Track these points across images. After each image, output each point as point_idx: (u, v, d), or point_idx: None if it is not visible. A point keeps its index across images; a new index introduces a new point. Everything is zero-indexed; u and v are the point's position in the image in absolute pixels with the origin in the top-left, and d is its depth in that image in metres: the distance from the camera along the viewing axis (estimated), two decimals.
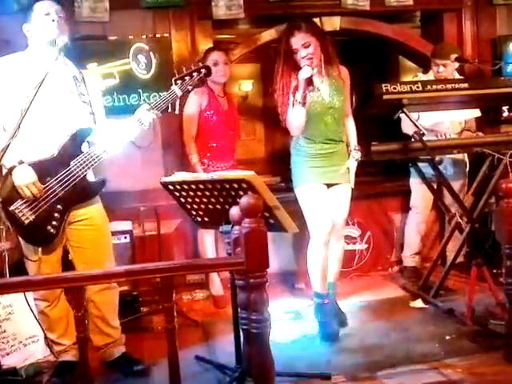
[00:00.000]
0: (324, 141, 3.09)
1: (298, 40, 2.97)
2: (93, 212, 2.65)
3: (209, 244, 3.72)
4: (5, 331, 2.86)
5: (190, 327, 3.33)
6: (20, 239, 2.57)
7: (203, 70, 2.79)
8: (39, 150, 2.48)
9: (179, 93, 2.71)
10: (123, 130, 2.59)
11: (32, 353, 2.90)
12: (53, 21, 2.52)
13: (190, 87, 2.76)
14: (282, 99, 3.03)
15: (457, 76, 3.93)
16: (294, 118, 2.98)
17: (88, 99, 2.64)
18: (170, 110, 2.71)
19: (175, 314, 1.86)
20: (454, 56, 3.76)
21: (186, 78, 2.74)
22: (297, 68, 3.00)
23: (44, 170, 2.45)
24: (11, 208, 2.41)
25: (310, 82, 2.97)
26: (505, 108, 4.24)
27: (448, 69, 3.79)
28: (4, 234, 2.96)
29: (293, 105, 2.96)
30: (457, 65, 3.82)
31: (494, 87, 3.39)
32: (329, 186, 3.13)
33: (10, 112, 2.42)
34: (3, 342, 2.83)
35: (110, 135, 2.56)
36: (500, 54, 4.31)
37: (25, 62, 2.55)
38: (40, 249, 2.54)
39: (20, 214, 2.42)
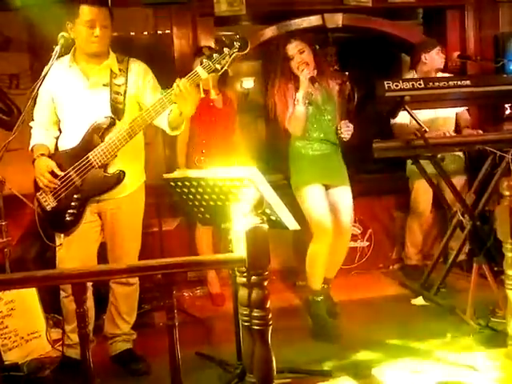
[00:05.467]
0: (320, 141, 3.15)
1: (294, 46, 3.08)
2: (121, 208, 2.66)
3: (204, 240, 3.74)
4: (7, 327, 2.87)
5: (191, 324, 3.33)
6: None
7: (236, 43, 2.33)
8: (71, 142, 2.58)
9: (204, 74, 2.35)
10: (145, 112, 2.49)
11: (34, 348, 2.91)
12: (96, 37, 2.46)
13: (218, 66, 2.33)
14: (281, 104, 3.10)
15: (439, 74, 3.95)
16: (296, 117, 3.04)
17: (123, 89, 2.58)
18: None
19: (175, 310, 1.86)
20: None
21: (215, 55, 2.35)
22: (292, 76, 3.09)
23: (66, 159, 2.56)
24: (37, 194, 2.60)
25: (313, 80, 3.03)
26: (507, 106, 4.23)
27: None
28: (6, 230, 2.98)
29: (294, 105, 3.03)
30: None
31: (497, 85, 3.39)
32: (327, 187, 3.16)
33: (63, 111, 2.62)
34: (5, 338, 2.84)
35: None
36: (503, 51, 4.30)
37: (68, 64, 2.60)
38: (62, 235, 2.63)
39: (43, 200, 2.58)
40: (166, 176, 2.49)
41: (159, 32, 3.92)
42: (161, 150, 3.89)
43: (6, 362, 2.74)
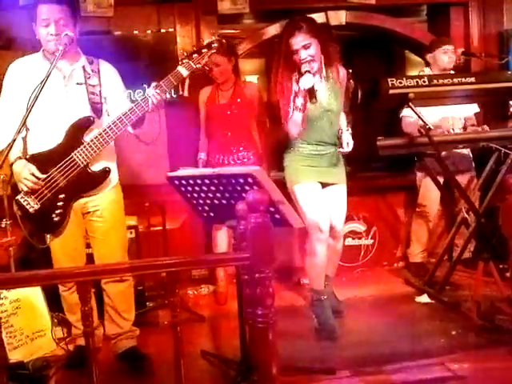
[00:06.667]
0: (318, 143, 3.08)
1: (298, 41, 2.90)
2: (104, 204, 2.67)
3: (222, 239, 3.68)
4: (12, 326, 2.88)
5: (195, 322, 3.34)
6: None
7: (215, 45, 2.59)
8: (47, 142, 2.53)
9: (185, 72, 2.55)
10: (129, 109, 2.50)
11: (39, 347, 2.91)
12: (51, 35, 2.46)
13: (198, 65, 2.56)
14: (282, 103, 2.99)
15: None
16: (294, 123, 2.96)
17: (99, 90, 2.61)
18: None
19: (179, 308, 1.86)
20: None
21: (194, 55, 2.56)
22: (297, 70, 2.96)
23: (47, 160, 2.51)
24: (17, 197, 2.52)
25: (311, 92, 2.87)
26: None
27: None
28: (10, 229, 2.98)
29: (292, 110, 2.94)
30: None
31: (501, 81, 3.37)
32: (323, 185, 3.12)
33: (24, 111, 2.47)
34: (10, 337, 2.85)
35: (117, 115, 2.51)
36: (507, 48, 4.28)
37: (37, 63, 2.57)
38: (48, 236, 2.61)
39: (25, 203, 2.51)
40: (169, 174, 2.49)
41: (162, 30, 3.92)
42: (164, 149, 3.89)
43: (12, 361, 2.75)
